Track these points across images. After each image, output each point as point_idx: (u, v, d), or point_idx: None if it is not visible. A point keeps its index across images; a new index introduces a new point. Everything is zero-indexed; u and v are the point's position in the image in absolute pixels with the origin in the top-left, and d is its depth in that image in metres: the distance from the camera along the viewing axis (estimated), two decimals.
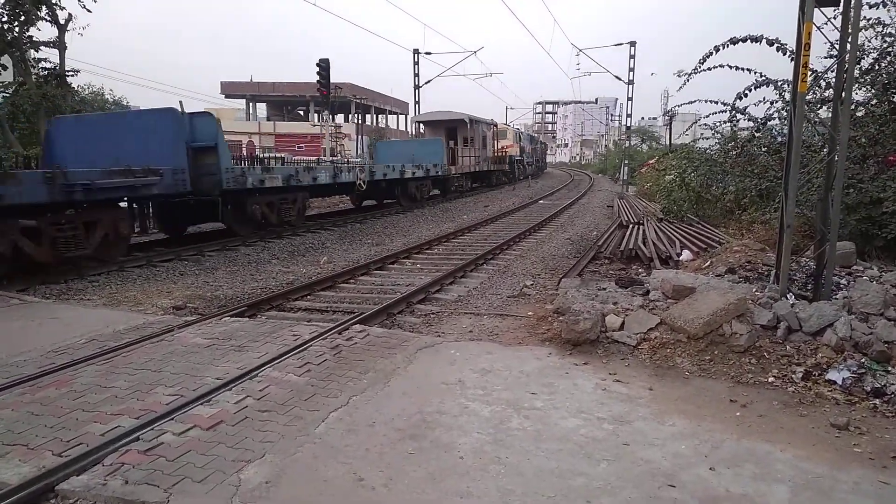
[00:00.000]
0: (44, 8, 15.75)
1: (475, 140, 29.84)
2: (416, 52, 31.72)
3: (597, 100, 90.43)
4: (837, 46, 5.57)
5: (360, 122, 56.04)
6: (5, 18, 15.37)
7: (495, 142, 34.58)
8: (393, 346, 5.43)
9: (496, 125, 36.05)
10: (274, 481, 3.19)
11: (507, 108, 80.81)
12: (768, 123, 11.15)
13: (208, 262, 10.73)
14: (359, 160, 24.84)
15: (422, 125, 31.10)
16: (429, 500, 3.03)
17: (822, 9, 5.70)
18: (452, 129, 29.37)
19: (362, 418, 3.97)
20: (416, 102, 32.29)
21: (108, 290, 8.38)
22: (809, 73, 8.76)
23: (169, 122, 11.45)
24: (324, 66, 22.40)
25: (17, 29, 15.63)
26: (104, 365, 5.00)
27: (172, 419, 3.91)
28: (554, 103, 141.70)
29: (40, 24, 16.17)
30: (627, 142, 38.96)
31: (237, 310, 7.02)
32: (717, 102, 11.79)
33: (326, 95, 23.61)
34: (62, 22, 16.21)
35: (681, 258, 9.66)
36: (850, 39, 5.24)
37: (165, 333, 5.90)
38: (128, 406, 4.16)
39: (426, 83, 32.36)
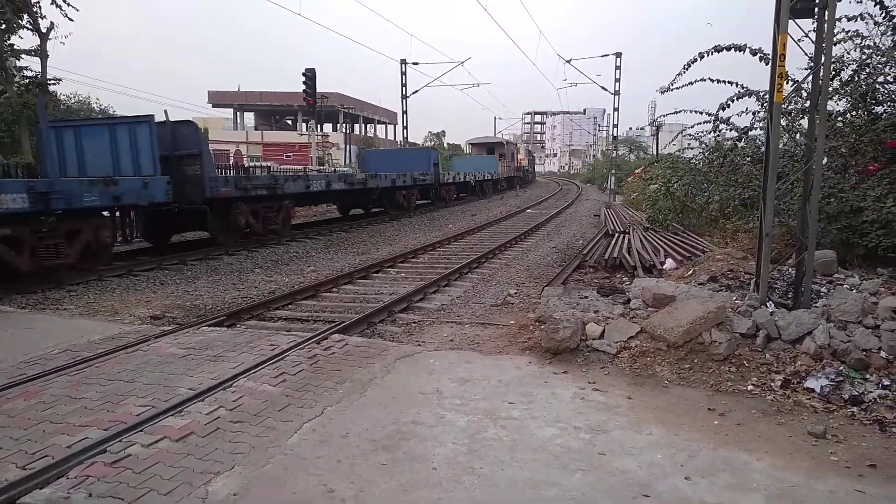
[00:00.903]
0: (25, 17, 15.64)
1: (506, 155, 41.65)
2: (403, 62, 31.80)
3: (585, 110, 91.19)
4: (813, 58, 5.61)
5: (348, 131, 56.02)
6: None
7: (517, 155, 48.77)
8: (371, 356, 5.38)
9: (517, 144, 55.48)
10: (242, 494, 3.12)
11: (495, 119, 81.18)
12: (750, 133, 11.25)
13: (190, 272, 10.62)
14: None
15: (471, 145, 45.23)
16: None
17: (797, 21, 5.75)
18: (492, 147, 41.58)
19: (336, 429, 3.91)
20: (404, 112, 32.35)
21: (86, 300, 8.26)
22: (790, 82, 8.87)
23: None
24: (310, 76, 22.39)
25: None
26: (76, 375, 4.90)
27: (142, 431, 3.84)
28: (542, 113, 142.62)
29: (22, 32, 16.05)
30: (614, 152, 39.16)
31: (216, 319, 6.93)
32: (701, 113, 11.91)
33: (313, 105, 23.58)
34: (44, 31, 16.08)
35: (664, 267, 9.68)
36: (824, 51, 5.28)
37: (141, 343, 5.81)
38: (97, 417, 4.07)
39: (413, 93, 32.44)
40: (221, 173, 13.22)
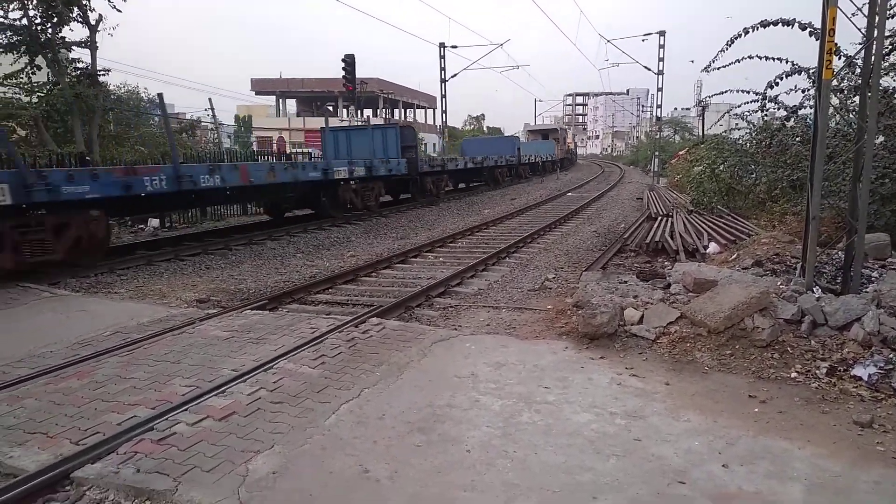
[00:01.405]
0: (75, 9, 16.11)
1: (559, 140, 48.85)
2: (441, 45, 31.63)
3: (628, 90, 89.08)
4: (866, 32, 5.35)
5: (388, 116, 56.18)
6: (38, 20, 15.77)
7: (567, 139, 56.84)
8: (408, 339, 5.44)
9: (567, 129, 64.72)
10: (280, 472, 3.22)
11: (535, 101, 79.99)
12: (800, 112, 10.84)
13: (234, 256, 10.89)
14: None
15: (529, 132, 53.86)
16: (432, 494, 3.02)
17: None
18: (546, 133, 49.72)
19: (372, 411, 3.98)
20: (443, 96, 32.26)
21: (136, 284, 8.57)
22: (842, 58, 8.50)
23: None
24: (349, 62, 22.50)
25: (49, 30, 16.02)
26: (126, 356, 5.11)
27: (187, 410, 3.98)
28: (584, 95, 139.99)
29: (72, 24, 16.54)
30: (658, 133, 38.27)
31: (258, 303, 7.10)
32: (748, 92, 11.51)
33: (352, 91, 23.71)
34: (93, 22, 16.55)
35: (707, 251, 9.47)
36: (877, 24, 5.04)
37: (187, 326, 6.00)
38: (145, 396, 4.24)
39: (452, 76, 32.32)
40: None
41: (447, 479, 3.15)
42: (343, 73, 22.96)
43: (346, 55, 22.59)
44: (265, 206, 17.11)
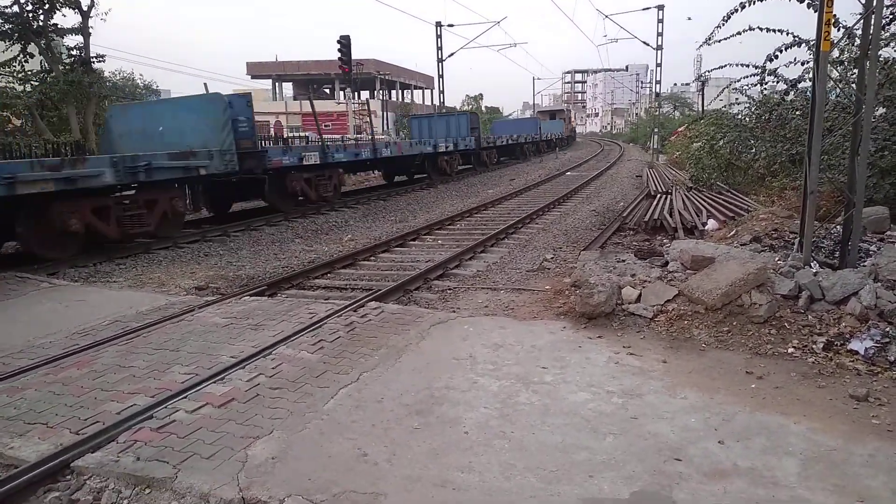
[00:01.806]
0: None
1: (565, 119, 57.36)
2: (438, 24, 31.33)
3: (627, 67, 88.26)
4: (864, 2, 5.28)
5: (385, 98, 55.81)
6: (30, 7, 15.62)
7: (571, 119, 66.95)
8: (407, 323, 5.45)
9: (570, 109, 75.78)
10: (280, 457, 3.24)
11: (533, 79, 79.43)
12: (800, 85, 10.73)
13: (233, 243, 10.88)
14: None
15: (539, 113, 59.91)
16: (430, 475, 3.04)
17: None
18: (554, 114, 57.62)
19: (371, 395, 4.00)
20: (440, 76, 32.02)
21: (134, 273, 8.58)
22: (840, 30, 8.39)
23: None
24: (345, 44, 22.29)
25: (41, 17, 15.88)
26: (125, 345, 5.13)
27: (186, 397, 4.00)
28: (583, 72, 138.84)
29: (65, 11, 16.37)
30: (658, 109, 38.02)
31: (257, 289, 7.11)
32: (747, 66, 11.39)
33: (348, 73, 23.52)
34: (85, 8, 16.40)
35: (706, 228, 9.45)
36: None
37: (186, 314, 6.01)
38: (144, 385, 4.26)
39: (449, 56, 32.03)
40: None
41: (445, 461, 3.17)
42: (339, 54, 22.76)
43: (341, 37, 22.37)
44: (387, 172, 22.17)
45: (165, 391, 4.10)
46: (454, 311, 6.03)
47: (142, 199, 10.23)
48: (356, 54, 25.98)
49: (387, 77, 55.55)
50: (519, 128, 39.61)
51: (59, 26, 16.64)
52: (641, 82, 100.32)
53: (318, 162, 14.52)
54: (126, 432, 3.54)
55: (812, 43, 9.46)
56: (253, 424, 3.61)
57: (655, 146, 32.15)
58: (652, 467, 3.06)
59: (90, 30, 16.97)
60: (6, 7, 15.66)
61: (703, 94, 36.89)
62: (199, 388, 4.13)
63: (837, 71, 9.95)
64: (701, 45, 10.08)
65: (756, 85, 11.50)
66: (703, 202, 11.91)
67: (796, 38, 9.84)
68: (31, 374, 4.55)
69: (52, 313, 6.31)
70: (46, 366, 4.69)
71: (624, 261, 6.96)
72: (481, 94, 65.70)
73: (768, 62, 10.31)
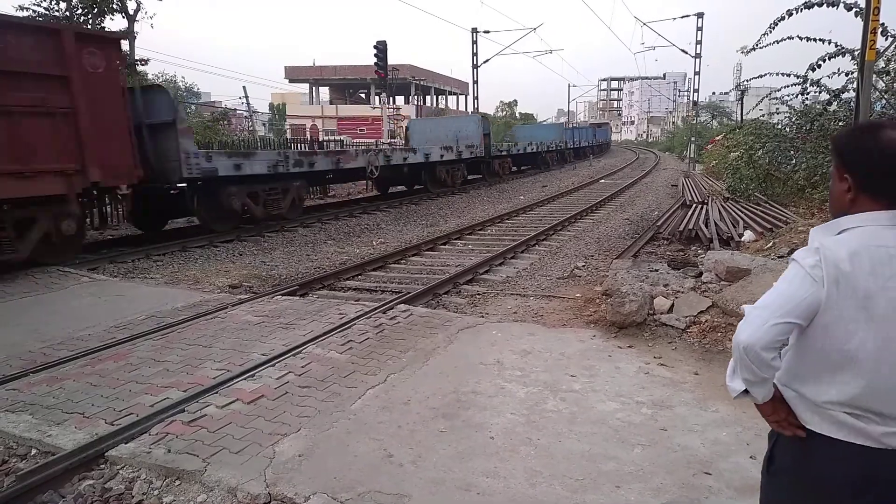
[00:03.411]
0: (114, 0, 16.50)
1: (607, 130, 67.71)
2: (474, 30, 31.38)
3: (665, 75, 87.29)
4: None
5: (420, 103, 56.13)
6: (79, 11, 16.16)
7: (611, 128, 71.42)
8: (435, 326, 5.45)
9: (609, 122, 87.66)
10: (306, 455, 3.27)
11: (569, 86, 78.89)
12: (843, 95, 10.48)
13: (267, 243, 11.06)
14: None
15: (590, 125, 66.89)
16: (454, 479, 3.04)
17: None
18: (601, 125, 67.59)
19: (398, 396, 4.02)
20: (475, 82, 32.04)
21: (171, 269, 8.77)
22: (889, 39, 8.16)
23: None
24: (381, 49, 22.51)
25: (91, 21, 16.41)
26: (160, 340, 5.24)
27: (217, 392, 4.07)
28: (619, 79, 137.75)
29: (113, 15, 16.93)
30: (695, 118, 37.44)
31: (289, 289, 7.21)
32: (789, 75, 11.17)
33: (384, 78, 23.72)
34: (131, 12, 16.93)
35: (742, 239, 9.26)
36: None
37: (219, 311, 6.12)
38: (177, 379, 4.35)
39: (484, 62, 32.00)
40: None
41: (470, 465, 3.16)
42: (375, 59, 22.98)
43: (378, 42, 22.61)
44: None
45: (197, 386, 4.18)
46: (483, 316, 6.02)
47: (280, 188, 12.51)
48: (392, 60, 26.22)
49: (422, 82, 55.91)
50: (542, 134, 37.29)
51: (105, 29, 17.15)
52: (679, 90, 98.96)
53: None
54: (158, 425, 3.62)
55: (857, 52, 9.25)
56: (281, 422, 3.66)
57: (692, 155, 31.65)
58: (681, 480, 3.01)
59: (135, 34, 17.49)
60: (58, 11, 16.24)
61: (742, 104, 36.24)
62: (230, 384, 4.20)
63: (883, 81, 9.68)
64: (748, 52, 9.92)
65: (798, 95, 11.28)
66: (740, 213, 11.67)
67: (840, 48, 9.62)
68: (70, 364, 4.69)
69: (91, 307, 6.49)
70: (85, 357, 4.83)
71: (657, 270, 6.87)
72: (515, 101, 65.68)
73: (811, 71, 10.10)
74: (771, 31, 9.50)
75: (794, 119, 12.59)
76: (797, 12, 8.98)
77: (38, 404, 3.96)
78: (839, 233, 1.53)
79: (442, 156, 19.45)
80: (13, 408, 3.91)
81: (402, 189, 20.52)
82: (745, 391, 1.63)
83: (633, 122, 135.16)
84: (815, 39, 9.91)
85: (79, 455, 3.30)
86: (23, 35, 7.89)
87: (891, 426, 1.48)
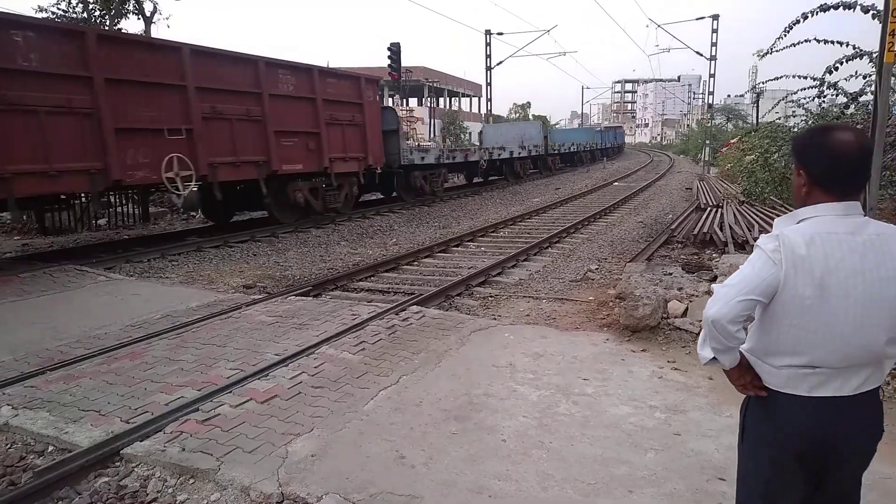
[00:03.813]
0: (131, 1, 16.68)
1: (621, 132, 67.24)
2: (487, 32, 31.41)
3: (679, 77, 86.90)
4: None
5: (433, 105, 56.15)
6: (97, 12, 16.37)
7: (623, 132, 75.09)
8: (447, 328, 5.46)
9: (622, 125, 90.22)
10: (319, 455, 3.29)
11: (582, 88, 78.60)
12: (861, 98, 10.35)
13: (280, 244, 11.12)
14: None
15: (604, 127, 67.65)
16: (466, 481, 3.04)
17: None
18: (616, 128, 67.76)
19: (410, 398, 4.02)
20: (488, 84, 32.08)
21: (186, 269, 8.85)
22: None
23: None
24: (395, 51, 22.55)
25: (108, 22, 16.61)
26: (175, 339, 5.29)
27: (231, 392, 4.10)
28: (633, 82, 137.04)
29: (130, 16, 17.14)
30: (710, 121, 37.19)
31: (302, 289, 7.24)
32: (805, 77, 11.06)
33: (397, 80, 23.76)
34: (148, 14, 17.11)
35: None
36: None
37: (233, 311, 6.17)
38: (192, 378, 4.38)
39: (498, 64, 32.04)
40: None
41: (482, 468, 3.16)
42: (388, 61, 23.03)
43: (391, 44, 22.64)
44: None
45: (211, 385, 4.21)
46: (495, 319, 6.01)
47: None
48: (405, 62, 26.26)
49: (435, 84, 55.89)
50: (579, 136, 43.57)
51: (123, 30, 17.35)
52: (693, 93, 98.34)
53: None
54: (173, 423, 3.65)
55: (874, 55, 9.14)
56: (294, 421, 3.68)
57: (706, 158, 31.44)
58: (694, 486, 2.99)
59: (151, 35, 17.64)
60: (76, 13, 16.45)
61: (757, 106, 35.95)
62: (243, 383, 4.23)
63: None
64: (763, 56, 9.83)
65: (815, 98, 11.16)
66: (755, 216, 11.58)
67: (858, 50, 9.50)
68: (86, 363, 4.74)
69: (107, 306, 6.56)
70: (101, 356, 4.88)
71: (671, 274, 6.83)
72: (529, 103, 65.45)
73: (828, 74, 9.99)
74: (785, 35, 9.40)
75: (810, 122, 12.44)
76: (812, 15, 8.88)
77: (55, 402, 4.01)
78: (798, 222, 1.76)
79: (519, 153, 25.96)
80: (31, 405, 3.97)
81: (461, 182, 25.45)
82: (714, 359, 1.85)
83: (647, 125, 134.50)
84: (832, 42, 9.80)
85: (95, 452, 3.34)
86: (345, 80, 14.04)
87: (840, 377, 1.74)
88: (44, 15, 16.08)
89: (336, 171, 13.64)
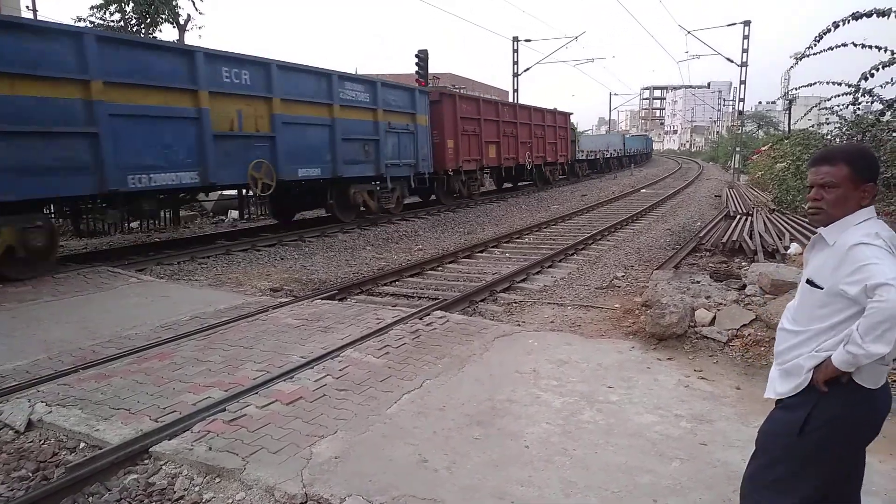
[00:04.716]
0: (166, 10, 17.07)
1: (649, 139, 70.18)
2: (515, 39, 31.42)
3: (709, 84, 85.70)
4: None
5: None
6: (133, 21, 16.79)
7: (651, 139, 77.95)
8: (471, 333, 5.46)
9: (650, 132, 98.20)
10: (343, 457, 3.31)
11: (610, 95, 78.33)
12: None
13: (307, 248, 11.24)
14: None
15: (632, 136, 63.50)
16: (488, 486, 3.03)
17: None
18: (644, 136, 68.55)
19: (433, 402, 4.03)
20: (515, 90, 32.01)
21: (214, 272, 8.99)
22: None
23: None
24: (422, 58, 22.66)
25: (143, 30, 17.03)
26: (203, 340, 5.38)
27: (257, 393, 4.15)
28: (662, 88, 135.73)
29: (163, 26, 17.54)
30: (740, 128, 36.64)
31: (328, 293, 7.31)
32: (839, 84, 10.84)
33: (425, 86, 23.85)
34: (182, 23, 17.48)
35: (788, 251, 9.01)
36: None
37: (260, 313, 6.25)
38: (219, 379, 4.45)
39: (525, 71, 32.01)
40: None
41: (504, 473, 3.15)
42: (416, 68, 23.16)
43: (419, 51, 22.76)
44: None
45: (238, 386, 4.27)
46: (519, 325, 6.00)
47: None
48: (432, 69, 26.38)
49: (462, 91, 55.97)
50: (606, 142, 45.78)
51: (157, 39, 17.78)
52: (724, 100, 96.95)
53: None
54: (200, 423, 3.71)
55: None
56: (318, 423, 3.71)
57: (736, 166, 30.97)
58: (720, 496, 2.94)
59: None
60: (114, 22, 16.89)
61: (789, 113, 35.30)
62: (269, 385, 4.28)
63: None
64: (794, 65, 9.68)
65: (849, 105, 10.93)
66: (785, 225, 11.37)
67: (895, 55, 9.29)
68: (117, 362, 4.84)
69: (138, 307, 6.69)
70: (131, 355, 4.98)
71: (699, 282, 6.73)
72: (556, 109, 65.15)
73: (863, 81, 9.78)
74: (816, 44, 9.23)
75: (844, 129, 12.19)
76: (844, 24, 8.70)
77: (87, 399, 4.11)
78: (859, 223, 1.99)
79: (612, 154, 40.42)
80: (64, 402, 4.07)
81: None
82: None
83: (675, 132, 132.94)
84: (869, 46, 9.60)
85: (124, 450, 3.41)
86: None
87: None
88: (82, 24, 16.52)
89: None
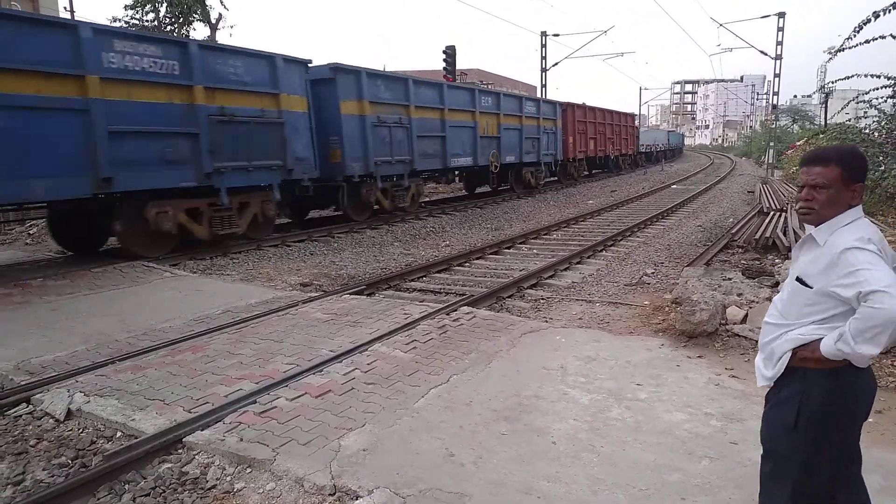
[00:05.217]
0: (199, 9, 17.37)
1: (681, 134, 72.09)
2: (543, 34, 31.18)
3: (742, 77, 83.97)
4: None
5: None
6: (167, 20, 17.13)
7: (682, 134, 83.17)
8: (498, 329, 5.46)
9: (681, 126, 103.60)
10: (370, 449, 3.35)
11: (640, 89, 76.95)
12: None
13: (336, 244, 11.36)
14: None
15: (666, 132, 64.50)
16: (515, 481, 3.04)
17: None
18: (677, 132, 71.43)
19: (460, 397, 4.05)
20: (543, 86, 31.80)
21: (246, 267, 9.14)
22: None
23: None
24: (450, 53, 22.66)
25: (177, 29, 17.35)
26: (235, 334, 5.48)
27: (287, 386, 4.22)
28: (693, 82, 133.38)
29: (196, 24, 17.85)
30: (774, 122, 35.85)
31: (357, 288, 7.38)
32: (878, 76, 10.53)
33: (452, 82, 23.84)
34: (213, 21, 17.77)
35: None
36: None
37: (290, 308, 6.34)
38: (250, 372, 4.54)
39: (553, 65, 31.75)
40: None
41: (531, 469, 3.16)
42: (444, 63, 23.17)
43: (446, 46, 22.78)
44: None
45: (269, 379, 4.35)
46: (546, 321, 5.98)
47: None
48: (460, 64, 26.35)
49: (489, 86, 55.80)
50: (655, 137, 51.03)
51: (189, 37, 18.10)
52: (757, 93, 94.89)
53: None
54: (232, 414, 3.79)
55: None
56: (347, 416, 3.76)
57: (770, 160, 30.33)
58: (750, 496, 2.90)
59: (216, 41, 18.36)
60: (148, 21, 17.25)
61: (826, 107, 34.44)
62: (299, 378, 4.35)
63: None
64: (831, 58, 9.44)
65: (889, 98, 10.63)
66: None
67: None
68: (152, 354, 4.97)
69: (172, 301, 6.85)
70: (166, 348, 5.11)
71: (730, 279, 6.63)
72: (584, 104, 64.52)
73: None
74: (855, 35, 8.98)
75: (883, 123, 11.85)
76: (884, 14, 8.44)
77: (123, 390, 4.23)
78: (846, 224, 2.06)
79: (662, 147, 47.17)
80: (101, 392, 4.19)
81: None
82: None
83: (707, 126, 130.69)
84: None
85: (159, 439, 3.50)
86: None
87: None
88: (118, 24, 16.90)
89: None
